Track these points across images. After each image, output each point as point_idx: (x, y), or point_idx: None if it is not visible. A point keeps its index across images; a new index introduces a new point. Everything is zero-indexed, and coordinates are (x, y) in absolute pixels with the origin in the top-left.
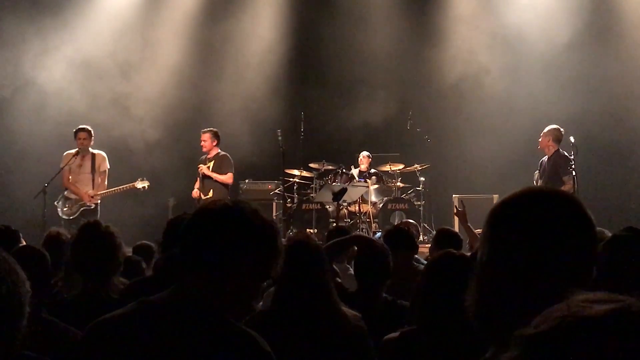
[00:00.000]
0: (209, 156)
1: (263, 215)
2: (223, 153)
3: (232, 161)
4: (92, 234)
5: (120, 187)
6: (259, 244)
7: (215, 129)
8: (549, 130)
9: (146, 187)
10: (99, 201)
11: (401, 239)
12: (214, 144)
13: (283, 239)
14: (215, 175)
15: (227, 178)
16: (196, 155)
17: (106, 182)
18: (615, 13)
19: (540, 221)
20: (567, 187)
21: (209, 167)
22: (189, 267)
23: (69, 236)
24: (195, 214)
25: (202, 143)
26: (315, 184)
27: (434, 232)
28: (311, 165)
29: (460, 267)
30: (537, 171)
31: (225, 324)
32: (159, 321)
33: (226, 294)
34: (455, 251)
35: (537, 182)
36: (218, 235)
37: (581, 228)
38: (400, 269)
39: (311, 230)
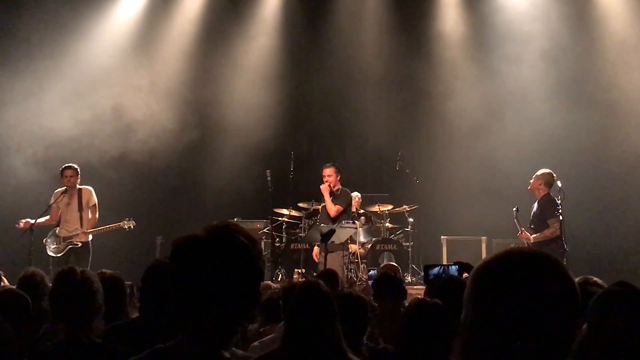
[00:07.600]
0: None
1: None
2: (344, 188)
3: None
4: (68, 281)
5: (108, 226)
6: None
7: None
8: (541, 174)
9: (132, 226)
10: (90, 239)
11: (390, 285)
12: (338, 178)
13: (273, 283)
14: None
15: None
16: (187, 192)
17: (97, 215)
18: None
19: (523, 284)
20: (551, 231)
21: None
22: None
23: (44, 275)
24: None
25: (326, 178)
26: (304, 224)
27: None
28: (300, 204)
29: (434, 315)
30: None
31: None
32: None
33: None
34: (428, 299)
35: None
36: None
37: (564, 291)
38: (389, 315)
39: (299, 270)
